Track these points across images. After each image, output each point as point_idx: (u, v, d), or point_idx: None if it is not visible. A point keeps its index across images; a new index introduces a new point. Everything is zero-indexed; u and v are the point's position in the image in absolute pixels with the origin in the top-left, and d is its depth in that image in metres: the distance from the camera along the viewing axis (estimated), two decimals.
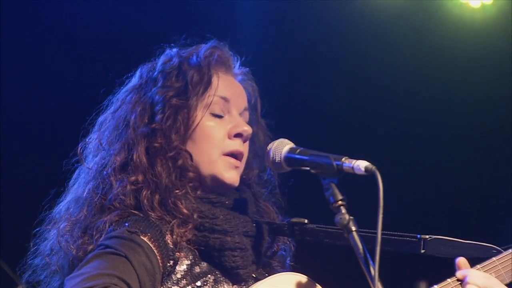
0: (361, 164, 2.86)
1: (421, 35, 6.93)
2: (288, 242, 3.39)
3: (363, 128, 7.09)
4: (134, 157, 3.15)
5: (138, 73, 3.35)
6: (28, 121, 6.23)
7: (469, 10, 6.93)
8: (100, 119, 3.33)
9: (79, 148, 3.29)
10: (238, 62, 3.42)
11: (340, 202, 2.86)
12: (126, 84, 3.37)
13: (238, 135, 3.25)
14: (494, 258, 3.17)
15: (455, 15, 6.92)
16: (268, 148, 3.15)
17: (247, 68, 3.43)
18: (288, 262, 3.40)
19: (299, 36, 6.84)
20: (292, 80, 6.76)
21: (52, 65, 6.20)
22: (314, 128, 6.83)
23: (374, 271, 2.73)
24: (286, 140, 3.14)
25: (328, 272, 3.66)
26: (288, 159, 3.09)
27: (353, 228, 2.82)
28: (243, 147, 3.27)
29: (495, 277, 3.13)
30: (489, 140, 7.10)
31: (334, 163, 2.91)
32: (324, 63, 6.93)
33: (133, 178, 3.14)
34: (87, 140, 3.31)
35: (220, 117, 3.26)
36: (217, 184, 3.23)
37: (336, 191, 2.88)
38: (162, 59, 3.33)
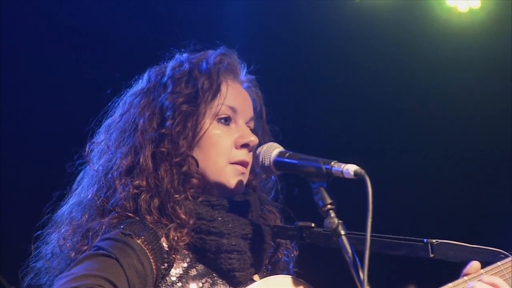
0: (350, 168, 2.86)
1: (409, 39, 6.94)
2: (291, 248, 3.39)
3: (353, 131, 7.10)
4: (141, 161, 3.15)
5: (146, 76, 3.35)
6: (30, 123, 6.20)
7: (457, 14, 6.95)
8: (108, 121, 3.33)
9: (87, 149, 3.29)
10: (244, 69, 3.42)
11: (329, 206, 2.87)
12: (133, 86, 3.37)
13: (244, 145, 3.25)
14: (499, 263, 3.14)
15: (443, 19, 6.95)
16: (257, 152, 3.16)
17: (253, 76, 3.43)
18: (291, 267, 3.40)
19: (285, 40, 6.84)
20: (281, 83, 6.76)
21: (58, 66, 6.19)
22: (303, 131, 6.83)
23: (363, 275, 2.73)
24: (276, 144, 3.15)
25: (331, 276, 3.66)
26: (277, 162, 3.10)
27: (342, 232, 2.83)
28: (249, 157, 3.27)
29: None
30: (480, 142, 7.12)
31: (323, 167, 2.92)
32: (310, 68, 6.94)
33: (137, 182, 3.14)
34: (94, 141, 3.31)
35: (227, 125, 3.26)
36: (223, 191, 3.23)
37: (325, 195, 2.88)
38: (171, 64, 3.33)
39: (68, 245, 3.14)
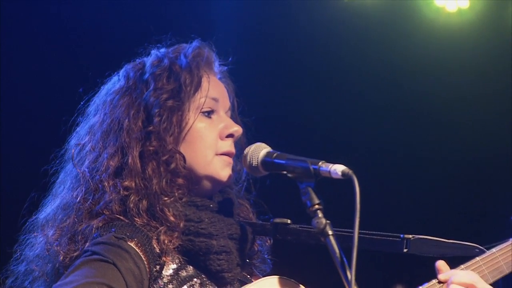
0: (338, 168, 2.87)
1: (397, 39, 6.95)
2: (264, 237, 3.39)
3: (341, 131, 7.10)
4: (129, 161, 3.14)
5: (123, 73, 3.33)
6: (4, 123, 6.14)
7: (445, 15, 6.96)
8: (90, 122, 3.29)
9: (72, 151, 3.25)
10: (217, 61, 3.43)
11: (317, 206, 2.87)
12: (109, 83, 3.35)
13: (229, 136, 3.27)
14: (477, 258, 3.20)
15: (431, 19, 6.95)
16: (245, 152, 3.15)
17: (225, 67, 3.45)
18: (266, 256, 3.41)
19: (274, 38, 6.84)
20: (269, 82, 6.76)
21: (32, 65, 6.13)
22: (291, 131, 6.83)
23: (351, 275, 2.73)
24: (263, 144, 3.15)
25: (310, 270, 3.67)
26: (265, 163, 3.10)
27: (330, 232, 2.83)
28: (233, 147, 3.29)
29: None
30: (468, 141, 7.13)
31: (311, 167, 2.92)
32: (299, 68, 6.94)
33: (126, 183, 3.12)
34: (79, 143, 3.26)
35: (210, 117, 3.27)
36: (211, 183, 3.24)
37: (313, 195, 2.89)
38: (150, 60, 3.32)
39: (56, 248, 3.10)
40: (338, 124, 7.09)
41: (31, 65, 6.12)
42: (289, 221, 3.24)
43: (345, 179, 2.83)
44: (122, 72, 3.34)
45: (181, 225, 3.09)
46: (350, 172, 2.83)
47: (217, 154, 3.24)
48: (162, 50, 3.36)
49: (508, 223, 3.33)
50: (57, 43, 6.16)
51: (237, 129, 3.28)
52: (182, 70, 3.27)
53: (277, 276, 3.14)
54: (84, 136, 3.28)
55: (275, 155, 3.08)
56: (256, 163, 3.11)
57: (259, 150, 3.12)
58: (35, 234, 3.21)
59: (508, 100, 6.91)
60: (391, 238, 3.18)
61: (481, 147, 7.09)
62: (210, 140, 3.24)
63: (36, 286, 3.19)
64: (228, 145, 3.26)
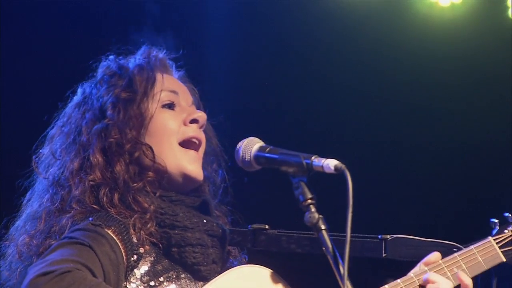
0: (331, 163, 2.87)
1: (390, 33, 6.95)
2: (242, 244, 3.42)
3: (334, 127, 7.10)
4: (91, 157, 3.20)
5: (80, 90, 3.41)
6: None
7: (438, 9, 6.96)
8: (50, 133, 3.37)
9: (33, 162, 3.32)
10: (174, 65, 3.52)
11: (309, 201, 2.88)
12: (69, 102, 3.43)
13: (193, 121, 3.33)
14: (456, 254, 3.24)
15: (424, 14, 6.95)
16: (237, 147, 3.16)
17: (183, 72, 3.52)
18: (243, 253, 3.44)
19: (268, 35, 6.83)
20: (261, 80, 6.75)
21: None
22: (284, 126, 6.82)
23: (344, 269, 2.74)
24: (256, 139, 3.15)
25: (291, 276, 3.67)
26: (258, 157, 3.10)
27: (323, 227, 2.84)
28: (200, 134, 3.34)
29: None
30: (457, 139, 7.15)
31: (304, 162, 2.93)
32: (293, 63, 6.93)
33: (91, 176, 3.17)
34: (39, 153, 3.34)
35: (173, 110, 3.34)
36: (182, 179, 3.28)
37: (306, 190, 2.90)
38: (100, 68, 3.41)
39: (27, 249, 3.14)
40: (332, 119, 7.09)
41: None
42: (267, 227, 3.27)
43: (338, 174, 2.83)
44: (78, 90, 3.43)
45: (152, 207, 3.14)
46: (343, 166, 2.84)
47: (184, 140, 3.29)
48: (111, 56, 3.45)
49: (488, 225, 3.38)
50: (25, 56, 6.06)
51: (200, 115, 3.35)
52: (132, 68, 3.36)
53: (254, 265, 3.15)
54: (45, 147, 3.36)
55: (268, 149, 3.09)
56: (249, 157, 3.12)
57: (252, 145, 3.13)
58: (7, 243, 3.26)
59: (502, 95, 6.92)
60: (368, 240, 3.20)
61: (474, 139, 7.09)
62: (173, 127, 3.30)
63: None
64: (193, 130, 3.33)
